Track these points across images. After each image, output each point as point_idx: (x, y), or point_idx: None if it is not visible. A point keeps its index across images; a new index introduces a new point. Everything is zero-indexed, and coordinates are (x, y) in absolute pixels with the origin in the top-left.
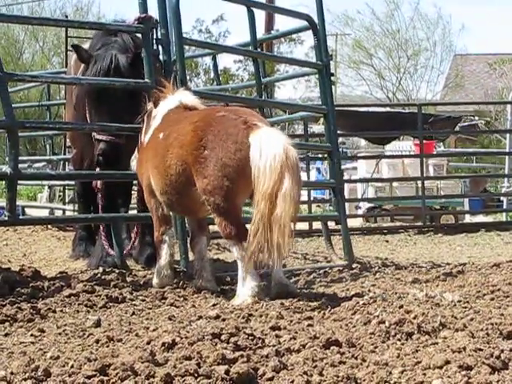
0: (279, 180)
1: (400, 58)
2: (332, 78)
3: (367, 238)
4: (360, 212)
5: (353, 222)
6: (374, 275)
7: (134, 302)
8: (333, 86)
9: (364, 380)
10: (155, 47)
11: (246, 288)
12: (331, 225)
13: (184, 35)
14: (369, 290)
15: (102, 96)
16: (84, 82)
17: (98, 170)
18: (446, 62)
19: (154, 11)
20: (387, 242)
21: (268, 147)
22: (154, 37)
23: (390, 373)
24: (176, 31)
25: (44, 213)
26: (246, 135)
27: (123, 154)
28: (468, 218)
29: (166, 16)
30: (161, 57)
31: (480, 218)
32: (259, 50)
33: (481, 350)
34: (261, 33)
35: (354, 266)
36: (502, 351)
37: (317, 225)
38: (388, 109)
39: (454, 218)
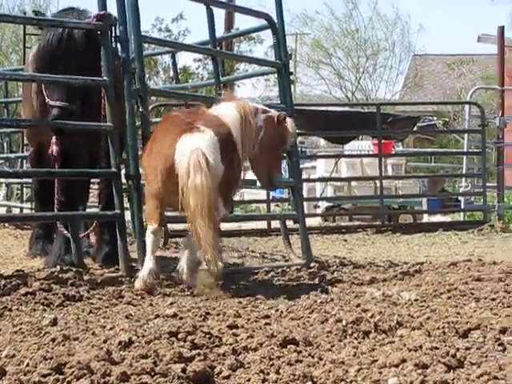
0: (186, 176)
1: (359, 57)
2: (291, 77)
3: (326, 237)
4: (319, 211)
5: (311, 221)
6: (332, 274)
7: (91, 301)
8: (292, 85)
9: (320, 378)
10: (114, 45)
11: (140, 272)
12: (290, 224)
13: (143, 33)
14: (326, 289)
15: (54, 60)
16: (42, 79)
17: (55, 148)
18: (404, 62)
19: (112, 9)
20: (345, 241)
21: (182, 151)
22: (113, 34)
23: (347, 371)
24: (134, 29)
25: (1, 211)
26: (175, 141)
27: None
28: (426, 218)
29: (124, 14)
30: (120, 54)
31: (438, 218)
32: (218, 48)
33: (437, 348)
34: (221, 32)
35: (311, 265)
36: (458, 350)
37: (275, 224)
38: (347, 108)
39: (412, 218)
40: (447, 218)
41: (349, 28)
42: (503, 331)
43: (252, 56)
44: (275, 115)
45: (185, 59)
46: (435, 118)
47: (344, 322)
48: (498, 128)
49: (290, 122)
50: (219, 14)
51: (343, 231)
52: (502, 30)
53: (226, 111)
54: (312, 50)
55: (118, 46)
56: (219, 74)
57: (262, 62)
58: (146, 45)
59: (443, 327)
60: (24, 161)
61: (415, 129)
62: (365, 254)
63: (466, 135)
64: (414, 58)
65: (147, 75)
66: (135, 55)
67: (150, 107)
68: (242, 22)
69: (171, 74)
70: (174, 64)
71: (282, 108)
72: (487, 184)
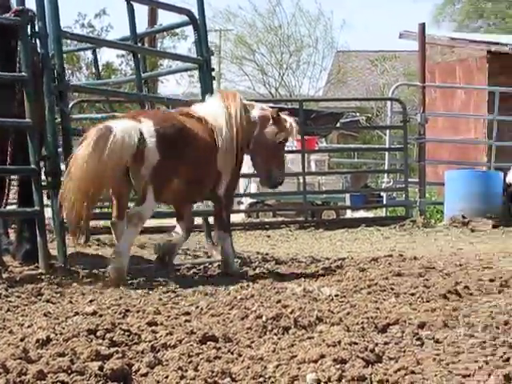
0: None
1: (282, 53)
2: (213, 73)
3: (249, 233)
4: (242, 207)
5: (235, 218)
6: (254, 270)
7: (9, 299)
8: (214, 81)
9: (239, 375)
10: (33, 40)
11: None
12: (212, 220)
13: (65, 29)
14: (248, 285)
15: None
16: None
17: None
18: (328, 59)
19: (31, 4)
20: (269, 237)
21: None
22: (32, 30)
23: (265, 367)
24: (53, 24)
25: None
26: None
27: None
28: (349, 214)
29: (43, 9)
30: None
31: (361, 214)
32: (140, 44)
33: (355, 343)
34: (144, 28)
35: (234, 261)
36: (377, 344)
37: (198, 220)
38: (270, 105)
39: (336, 214)
40: (370, 214)
41: (272, 24)
42: (421, 326)
43: (175, 52)
44: (270, 112)
45: (108, 55)
46: (358, 114)
47: (264, 318)
48: (420, 124)
49: (286, 119)
50: (143, 9)
51: (266, 227)
52: (422, 26)
53: (211, 108)
54: (235, 46)
55: (37, 41)
56: (140, 70)
57: (184, 58)
58: (68, 41)
59: (362, 322)
60: None
61: (338, 125)
62: (287, 250)
63: (388, 131)
64: (337, 54)
65: (70, 71)
66: (54, 51)
67: (72, 103)
68: (167, 17)
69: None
70: (95, 60)
71: None
72: (409, 180)
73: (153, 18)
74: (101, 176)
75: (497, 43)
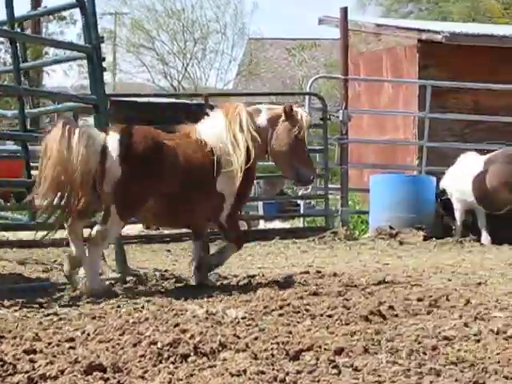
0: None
1: (186, 41)
2: (105, 63)
3: (146, 247)
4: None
5: (130, 230)
6: (151, 289)
7: None
8: (107, 73)
9: None
10: None
11: None
12: None
13: None
14: (142, 307)
15: None
16: None
17: None
18: (238, 47)
19: None
20: (169, 251)
21: None
22: None
23: None
24: None
25: None
26: None
27: None
28: (262, 224)
29: None
30: None
31: (275, 224)
32: (19, 29)
33: (263, 372)
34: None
35: (127, 278)
36: (288, 374)
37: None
38: (172, 99)
39: (247, 224)
40: (286, 225)
41: (174, 7)
42: (339, 352)
43: (60, 39)
44: (281, 109)
45: None
46: None
47: (159, 345)
48: (342, 122)
49: (300, 111)
50: None
51: (167, 240)
52: (344, 11)
53: (213, 128)
54: (132, 33)
55: None
56: (18, 59)
57: (70, 46)
58: None
59: (272, 349)
60: None
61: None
62: (190, 267)
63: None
64: (249, 42)
65: None
66: None
67: None
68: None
69: None
70: None
71: (93, 100)
72: (330, 186)
73: (37, 0)
74: (69, 162)
75: (429, 31)
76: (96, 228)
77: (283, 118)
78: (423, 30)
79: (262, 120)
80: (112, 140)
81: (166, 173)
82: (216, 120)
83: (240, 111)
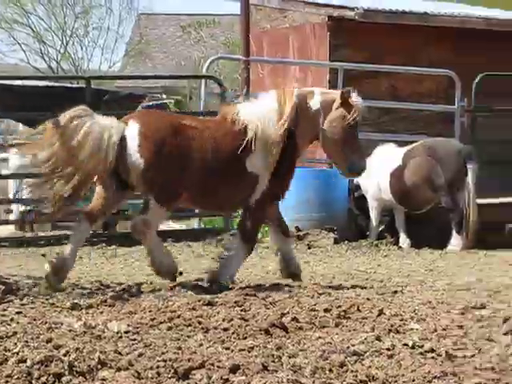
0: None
1: (65, 16)
2: None
3: (20, 252)
4: (12, 217)
5: (2, 231)
6: (21, 300)
7: None
8: None
9: None
10: None
11: None
12: None
13: None
14: (11, 319)
15: None
16: None
17: None
18: (126, 23)
19: None
20: (44, 256)
21: None
22: None
23: None
24: None
25: None
26: None
27: None
28: None
29: None
30: None
31: (168, 225)
32: None
33: None
34: None
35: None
36: None
37: None
38: (50, 82)
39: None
40: (180, 226)
41: None
42: (234, 370)
43: None
44: (337, 94)
45: None
46: (165, 97)
47: (29, 363)
48: None
49: (354, 97)
50: None
51: (42, 243)
52: None
53: (259, 103)
54: (4, 7)
55: None
56: None
57: None
58: None
59: (158, 366)
60: None
61: (139, 110)
62: (70, 273)
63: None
64: (139, 17)
65: None
66: None
67: None
68: None
69: None
70: None
71: None
72: None
73: None
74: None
75: (340, 6)
76: (137, 217)
77: (338, 103)
78: (335, 6)
79: (314, 103)
80: (131, 130)
81: (192, 157)
82: (265, 100)
83: (293, 94)
